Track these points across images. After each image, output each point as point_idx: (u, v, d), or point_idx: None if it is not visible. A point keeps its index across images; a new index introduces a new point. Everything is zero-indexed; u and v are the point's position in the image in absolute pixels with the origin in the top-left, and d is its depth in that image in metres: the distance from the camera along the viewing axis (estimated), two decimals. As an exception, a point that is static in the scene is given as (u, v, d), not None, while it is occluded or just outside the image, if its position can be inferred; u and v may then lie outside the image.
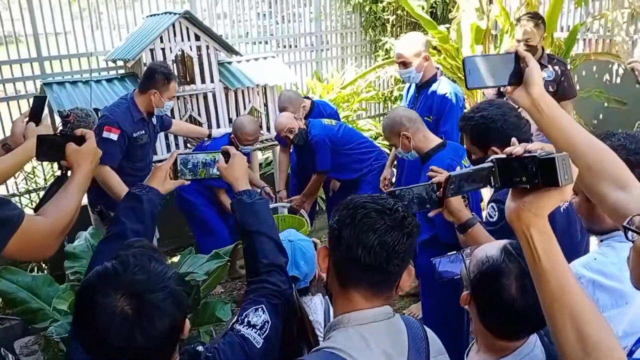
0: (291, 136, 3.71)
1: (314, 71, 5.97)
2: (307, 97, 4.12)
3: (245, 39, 5.53)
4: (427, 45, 3.20)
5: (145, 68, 3.89)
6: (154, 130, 3.49)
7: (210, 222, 3.87)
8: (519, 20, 3.72)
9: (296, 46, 5.95)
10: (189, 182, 1.67)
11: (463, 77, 1.33)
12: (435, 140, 2.60)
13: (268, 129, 4.57)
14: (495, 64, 1.32)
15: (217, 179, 1.64)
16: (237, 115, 4.46)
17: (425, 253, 2.52)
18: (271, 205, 4.03)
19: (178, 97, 4.15)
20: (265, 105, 4.57)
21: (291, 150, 4.19)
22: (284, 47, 5.87)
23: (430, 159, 2.56)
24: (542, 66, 3.76)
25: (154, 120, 3.43)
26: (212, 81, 4.22)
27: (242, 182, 1.59)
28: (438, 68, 3.31)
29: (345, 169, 3.75)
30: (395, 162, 3.59)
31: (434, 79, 3.20)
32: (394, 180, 3.58)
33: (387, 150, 4.32)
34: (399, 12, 5.99)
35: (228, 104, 4.42)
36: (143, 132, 3.32)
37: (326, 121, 3.76)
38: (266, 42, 5.68)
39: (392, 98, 6.22)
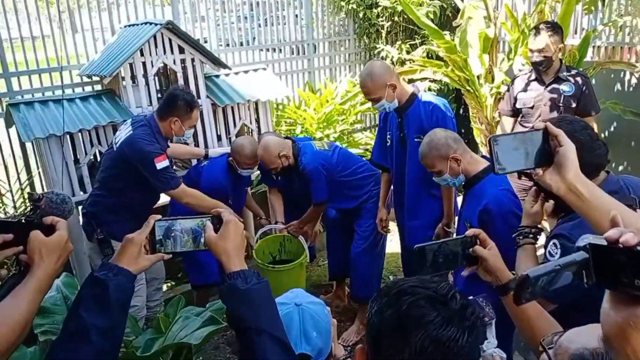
0: (274, 172, 3.39)
1: (306, 81, 5.61)
2: (287, 137, 3.69)
3: (231, 48, 5.15)
4: (391, 72, 2.83)
5: (124, 84, 3.55)
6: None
7: (198, 254, 3.49)
8: (534, 28, 3.41)
9: (284, 53, 5.58)
10: (170, 255, 1.30)
11: (491, 159, 1.23)
12: (482, 162, 2.28)
13: (260, 148, 4.19)
14: (522, 142, 1.23)
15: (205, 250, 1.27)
16: (226, 134, 4.09)
17: (470, 283, 2.23)
18: (265, 228, 3.69)
19: (161, 116, 3.77)
20: (257, 121, 4.21)
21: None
22: (272, 50, 5.50)
23: (475, 186, 2.24)
24: (561, 80, 3.45)
25: (184, 138, 3.15)
26: (198, 97, 3.84)
27: (235, 259, 1.19)
28: (414, 86, 2.99)
29: (343, 198, 3.37)
30: (389, 196, 3.25)
31: (414, 98, 2.87)
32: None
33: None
34: (395, 18, 5.66)
35: (217, 121, 4.04)
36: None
37: (318, 145, 3.38)
38: (260, 50, 5.30)
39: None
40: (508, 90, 3.70)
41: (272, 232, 3.78)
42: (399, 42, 5.75)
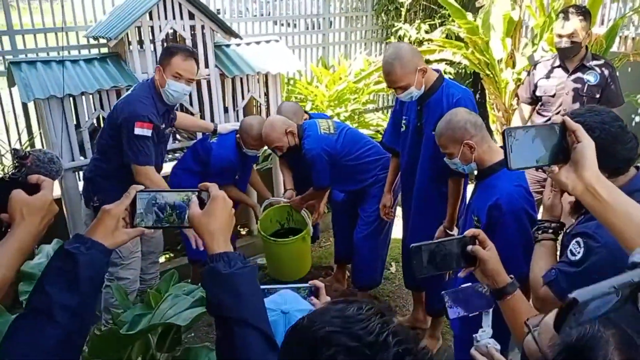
0: (278, 153, 3.29)
1: (320, 57, 5.46)
2: (306, 112, 3.65)
3: (244, 18, 4.99)
4: (420, 55, 2.60)
5: (131, 48, 3.43)
6: (170, 119, 3.04)
7: None
8: (563, 12, 3.22)
9: (298, 27, 5.41)
10: (151, 231, 1.20)
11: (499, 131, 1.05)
12: (500, 153, 2.12)
13: (268, 122, 4.07)
14: (538, 136, 1.18)
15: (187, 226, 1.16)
16: (234, 106, 3.96)
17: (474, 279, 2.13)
18: (270, 199, 3.61)
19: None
20: (266, 95, 4.07)
21: None
22: (287, 24, 5.33)
23: (488, 178, 2.10)
24: (586, 68, 3.28)
25: (168, 90, 2.83)
26: (206, 66, 3.71)
27: (219, 239, 1.08)
28: (438, 71, 2.71)
29: (346, 180, 3.25)
30: (397, 182, 3.08)
31: (438, 85, 2.60)
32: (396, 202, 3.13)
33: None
34: (416, -5, 5.47)
35: (224, 92, 3.92)
36: (165, 125, 2.89)
37: (323, 127, 3.19)
38: (274, 22, 5.14)
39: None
40: (528, 75, 3.53)
41: (278, 204, 3.71)
42: (418, 22, 5.56)
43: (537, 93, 3.42)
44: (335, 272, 3.64)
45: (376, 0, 5.66)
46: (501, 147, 2.19)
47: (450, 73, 5.48)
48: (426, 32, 5.44)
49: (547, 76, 3.37)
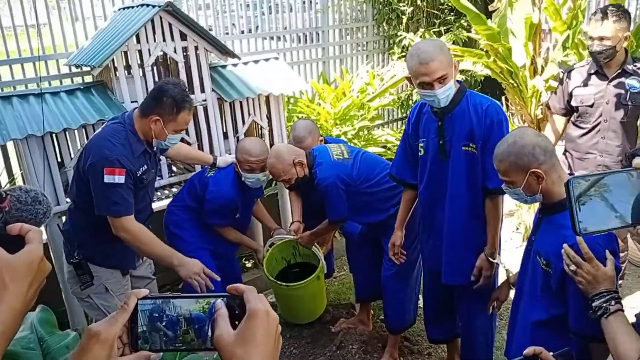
0: (286, 185, 2.95)
1: (321, 72, 5.12)
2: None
3: (238, 35, 4.65)
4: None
5: (117, 75, 3.07)
6: (155, 160, 2.63)
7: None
8: (599, 12, 2.90)
9: (294, 41, 5.08)
10: (158, 355, 0.83)
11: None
12: None
13: (271, 146, 3.71)
14: (614, 187, 1.02)
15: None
16: (234, 132, 3.61)
17: (539, 335, 1.83)
18: (273, 238, 3.22)
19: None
20: (269, 118, 3.72)
21: None
22: (283, 39, 5.00)
23: (559, 214, 1.76)
24: (628, 73, 2.95)
25: (167, 144, 2.53)
26: (202, 91, 3.36)
27: None
28: (459, 81, 2.35)
29: (366, 211, 2.84)
30: (408, 216, 2.69)
31: (461, 96, 2.26)
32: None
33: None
34: (418, 2, 5.15)
35: (223, 118, 3.56)
36: (146, 167, 2.46)
37: (336, 152, 2.82)
38: (266, 38, 4.80)
39: (411, 102, 5.38)
40: (561, 84, 3.19)
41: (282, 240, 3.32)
42: (421, 30, 5.25)
43: (573, 103, 3.08)
44: (358, 313, 3.26)
45: (376, 9, 5.34)
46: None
47: (458, 82, 5.17)
48: (431, 40, 5.13)
49: (584, 84, 3.04)
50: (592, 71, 3.03)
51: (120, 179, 2.29)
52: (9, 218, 1.84)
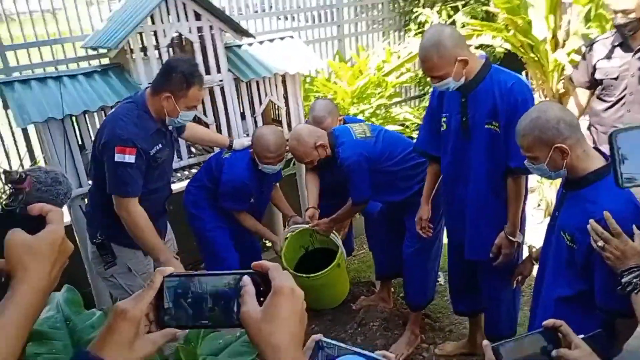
0: (309, 166, 2.92)
1: (336, 51, 5.06)
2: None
3: (251, 14, 4.60)
4: (463, 42, 2.19)
5: (134, 57, 3.06)
6: (172, 139, 2.63)
7: (218, 249, 3.07)
8: None
9: (309, 20, 5.02)
10: (184, 331, 0.83)
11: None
12: (598, 160, 1.74)
13: (289, 127, 3.71)
14: None
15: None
16: (251, 112, 3.60)
17: (563, 311, 1.77)
18: (290, 228, 3.16)
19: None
20: (286, 98, 3.70)
21: None
22: (297, 18, 4.94)
23: (584, 189, 1.73)
24: None
25: (180, 120, 2.50)
26: (218, 71, 3.34)
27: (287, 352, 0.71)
28: (484, 56, 2.29)
29: (389, 189, 2.81)
30: (434, 190, 2.66)
31: (485, 73, 2.20)
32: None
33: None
34: (435, -24, 5.05)
35: (240, 98, 3.55)
36: (160, 145, 2.45)
37: (358, 131, 2.78)
38: (280, 17, 4.75)
39: (428, 80, 5.29)
40: (584, 57, 3.11)
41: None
42: (438, 5, 5.14)
43: (597, 76, 3.00)
44: (379, 291, 3.26)
45: (392, -16, 5.25)
46: (601, 152, 1.83)
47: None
48: (449, 16, 5.02)
49: (608, 57, 2.95)
50: (617, 43, 2.94)
51: (130, 158, 2.29)
52: (30, 199, 1.85)
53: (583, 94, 3.15)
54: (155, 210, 2.58)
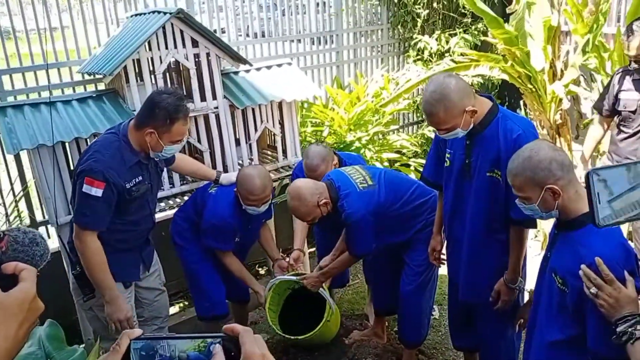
0: (310, 223, 2.81)
1: (335, 76, 5.06)
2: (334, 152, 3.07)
3: (251, 40, 4.61)
4: (469, 92, 2.09)
5: (129, 83, 3.04)
6: (157, 170, 2.57)
7: (204, 282, 2.98)
8: (627, 29, 2.82)
9: (308, 45, 5.02)
10: None
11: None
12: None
13: (284, 154, 3.68)
14: (637, 177, 1.00)
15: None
16: (246, 139, 3.56)
17: (555, 356, 1.80)
18: (275, 279, 2.98)
19: (171, 120, 3.26)
20: (282, 124, 3.67)
21: None
22: (297, 42, 4.94)
23: (576, 232, 1.69)
24: None
25: (164, 154, 2.45)
26: (214, 98, 3.32)
27: None
28: (491, 98, 2.21)
29: (394, 232, 2.72)
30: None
31: (492, 117, 2.14)
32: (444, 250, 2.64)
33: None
34: (434, 4, 5.06)
35: (235, 124, 3.52)
36: (140, 178, 2.39)
37: (359, 180, 2.61)
38: (283, 41, 4.75)
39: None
40: (608, 87, 3.14)
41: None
42: (437, 32, 5.16)
43: (617, 107, 3.02)
44: (373, 325, 3.19)
45: (391, 12, 5.26)
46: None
47: (475, 85, 5.06)
48: (447, 41, 5.03)
49: (630, 89, 2.98)
50: (637, 77, 2.96)
51: (97, 191, 2.23)
52: (5, 259, 1.81)
53: (602, 125, 3.19)
54: (137, 243, 2.53)
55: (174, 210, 3.21)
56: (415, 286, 2.71)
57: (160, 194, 3.17)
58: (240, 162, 3.61)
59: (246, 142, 3.56)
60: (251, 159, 3.62)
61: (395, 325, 3.27)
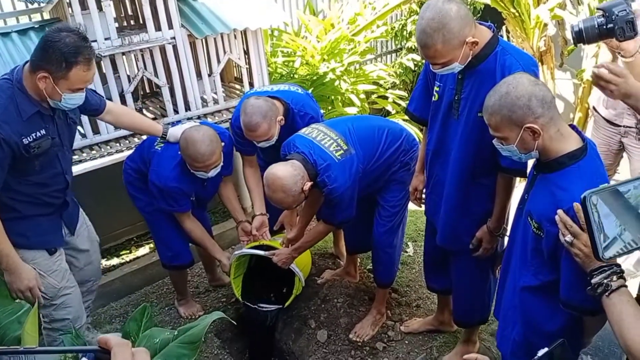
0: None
1: (306, 2, 4.72)
2: (274, 96, 2.56)
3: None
4: (471, 20, 1.82)
5: (72, 11, 2.74)
6: (67, 121, 2.23)
7: (163, 232, 2.77)
8: None
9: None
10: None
11: None
12: (573, 141, 1.54)
13: (251, 88, 3.44)
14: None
15: None
16: (208, 73, 3.32)
17: (528, 301, 1.74)
18: (238, 252, 2.71)
19: (124, 53, 2.99)
20: (247, 54, 3.42)
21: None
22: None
23: (555, 173, 1.56)
24: None
25: (65, 104, 2.06)
26: (170, 27, 3.04)
27: None
28: (491, 27, 1.94)
29: (370, 185, 2.55)
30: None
31: (490, 50, 1.90)
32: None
33: (414, 132, 3.08)
34: None
35: (196, 57, 3.26)
36: (42, 132, 2.06)
37: (332, 147, 2.33)
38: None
39: (406, 34, 5.00)
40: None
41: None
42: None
43: None
44: (345, 264, 3.10)
45: None
46: (580, 134, 1.64)
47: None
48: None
49: None
50: None
51: None
52: None
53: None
54: (52, 207, 2.25)
55: (105, 159, 2.96)
56: (389, 227, 2.59)
57: (83, 143, 2.95)
58: (204, 96, 3.37)
59: (208, 76, 3.32)
60: (215, 94, 3.39)
61: (368, 264, 3.20)
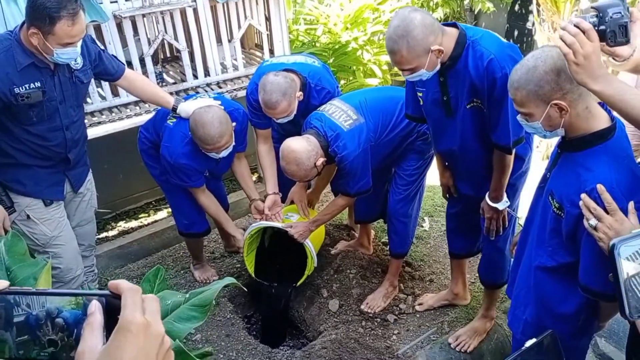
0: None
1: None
2: (291, 69, 2.48)
3: None
4: (435, 28, 1.85)
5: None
6: (73, 80, 2.25)
7: (179, 200, 2.76)
8: None
9: None
10: None
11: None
12: (603, 120, 1.47)
13: (272, 55, 3.40)
14: None
15: None
16: (229, 39, 3.28)
17: (543, 281, 1.71)
18: (254, 225, 2.69)
19: (144, 15, 2.96)
20: (268, 21, 3.37)
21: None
22: None
23: (581, 152, 1.50)
24: None
25: (75, 63, 2.16)
26: (190, -10, 3.00)
27: None
28: (455, 25, 1.97)
29: (389, 156, 2.57)
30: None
31: (460, 50, 1.92)
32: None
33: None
34: None
35: (216, 22, 3.22)
36: (37, 84, 2.10)
37: (342, 119, 2.35)
38: None
39: (433, 5, 4.87)
40: None
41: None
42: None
43: None
44: (359, 236, 3.09)
45: None
46: (609, 113, 1.57)
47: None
48: None
49: None
50: None
51: None
52: None
53: None
54: (53, 160, 2.30)
55: (125, 122, 2.99)
56: (405, 195, 2.59)
57: (103, 105, 2.99)
58: (224, 62, 3.35)
59: (229, 42, 3.28)
60: (235, 60, 3.36)
61: (383, 237, 3.19)
